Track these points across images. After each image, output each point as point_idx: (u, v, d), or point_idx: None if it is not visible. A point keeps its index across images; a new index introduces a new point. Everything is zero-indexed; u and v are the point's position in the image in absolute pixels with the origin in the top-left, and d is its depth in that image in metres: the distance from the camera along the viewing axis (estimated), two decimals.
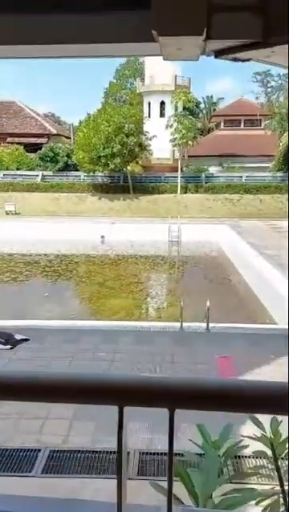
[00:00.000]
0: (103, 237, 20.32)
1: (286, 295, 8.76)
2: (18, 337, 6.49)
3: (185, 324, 7.18)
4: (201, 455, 2.05)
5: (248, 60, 0.61)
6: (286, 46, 0.55)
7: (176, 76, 27.99)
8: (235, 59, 0.61)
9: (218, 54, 0.60)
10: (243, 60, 0.61)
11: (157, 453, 3.85)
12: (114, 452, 3.82)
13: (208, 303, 7.08)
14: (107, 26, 0.57)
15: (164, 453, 3.89)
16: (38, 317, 9.21)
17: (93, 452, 3.79)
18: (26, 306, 11.19)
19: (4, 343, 6.30)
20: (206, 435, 2.01)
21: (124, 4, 0.55)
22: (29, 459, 3.69)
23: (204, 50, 0.59)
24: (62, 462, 3.71)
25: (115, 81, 41.01)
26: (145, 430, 3.98)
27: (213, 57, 0.61)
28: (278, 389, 0.62)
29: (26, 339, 6.47)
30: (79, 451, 3.80)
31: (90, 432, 4.06)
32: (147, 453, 3.86)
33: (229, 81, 68.31)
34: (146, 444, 3.94)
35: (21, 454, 3.75)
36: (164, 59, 0.61)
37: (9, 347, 6.21)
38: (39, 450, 3.80)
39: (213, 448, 1.93)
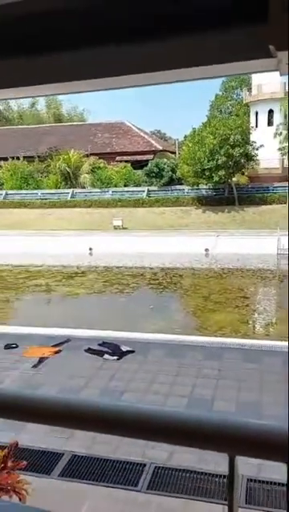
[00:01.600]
0: (207, 250, 20.16)
1: None
2: (124, 348, 6.66)
3: None
4: None
5: None
6: None
7: (285, 83, 26.97)
8: None
9: None
10: None
11: (268, 482, 3.60)
12: (222, 476, 3.67)
13: None
14: (220, 47, 0.53)
15: (276, 483, 3.62)
16: (143, 329, 9.40)
17: (200, 473, 3.68)
18: (131, 318, 11.52)
19: (111, 354, 6.51)
20: None
21: (240, 21, 0.51)
22: (134, 473, 3.72)
23: None
24: (166, 480, 3.67)
25: (221, 93, 40.92)
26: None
27: None
28: None
29: (132, 351, 6.61)
30: (185, 470, 3.72)
31: (196, 450, 3.95)
32: (255, 481, 3.63)
33: None
34: (255, 471, 3.71)
35: (126, 467, 3.80)
36: (280, 75, 0.56)
37: (116, 358, 6.41)
38: (144, 465, 3.80)
39: None
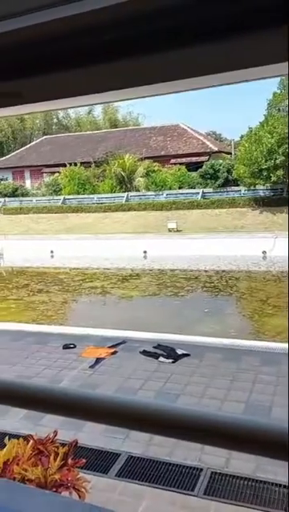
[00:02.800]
0: (264, 252, 19.62)
1: None
2: (180, 352, 6.65)
3: None
4: None
5: None
6: None
7: None
8: None
9: None
10: None
11: None
12: (282, 485, 3.55)
13: None
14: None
15: None
16: (198, 333, 9.32)
17: (258, 481, 3.59)
18: (186, 321, 11.46)
19: (166, 357, 6.52)
20: None
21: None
22: (191, 477, 3.69)
23: None
24: (224, 486, 3.61)
25: (279, 91, 39.72)
26: None
27: None
28: None
29: (187, 354, 6.58)
30: (243, 477, 3.65)
31: (253, 457, 3.86)
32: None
33: None
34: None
35: (183, 470, 3.78)
36: None
37: (171, 360, 6.41)
38: (201, 470, 3.77)
39: None
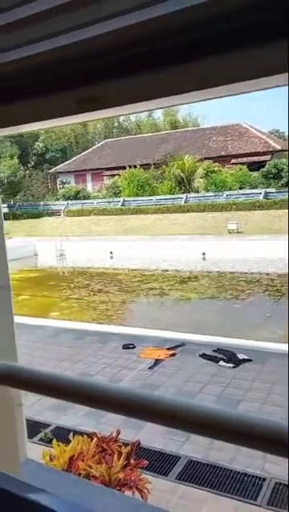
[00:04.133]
0: None
1: None
2: (241, 357, 6.50)
3: None
4: None
5: None
6: None
7: None
8: None
9: None
10: None
11: None
12: None
13: None
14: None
15: None
16: (259, 338, 9.05)
17: None
18: (247, 325, 11.18)
19: (227, 361, 6.40)
20: None
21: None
22: (253, 486, 3.59)
23: None
24: (286, 497, 3.47)
25: None
26: None
27: None
28: None
29: (249, 360, 6.41)
30: None
31: None
32: None
33: None
34: None
35: (245, 478, 3.68)
36: None
37: (231, 365, 6.28)
38: (264, 479, 3.65)
39: None
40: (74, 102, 0.70)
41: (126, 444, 2.62)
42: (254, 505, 3.36)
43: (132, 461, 2.36)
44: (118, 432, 2.47)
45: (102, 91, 0.69)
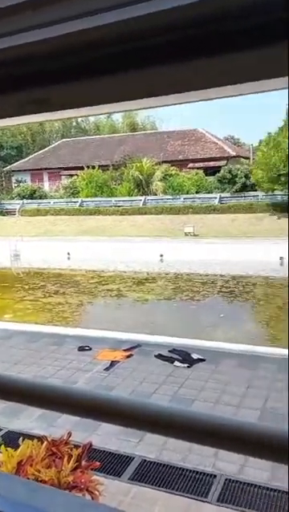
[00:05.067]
0: (282, 258, 19.41)
1: None
2: (195, 356, 6.61)
3: None
4: None
5: None
6: None
7: None
8: None
9: None
10: None
11: None
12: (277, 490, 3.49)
13: None
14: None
15: None
16: (213, 338, 9.25)
17: (273, 490, 3.53)
18: (201, 325, 11.39)
19: (182, 362, 6.49)
20: None
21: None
22: (205, 483, 3.66)
23: None
24: (238, 493, 3.56)
25: None
26: None
27: None
28: None
29: (203, 360, 6.54)
30: (257, 486, 3.59)
31: (268, 465, 3.80)
32: None
33: None
34: None
35: (196, 476, 3.75)
36: None
37: (186, 365, 6.37)
38: (215, 476, 3.73)
39: None
40: (24, 103, 0.69)
41: (78, 447, 2.59)
42: (204, 502, 3.43)
43: (83, 464, 2.34)
44: (69, 435, 2.44)
45: (52, 92, 0.68)
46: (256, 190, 26.51)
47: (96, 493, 2.26)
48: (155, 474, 3.83)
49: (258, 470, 3.73)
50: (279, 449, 0.60)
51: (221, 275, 18.59)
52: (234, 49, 0.55)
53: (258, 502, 3.46)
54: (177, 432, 0.75)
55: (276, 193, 25.54)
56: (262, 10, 0.52)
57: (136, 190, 30.60)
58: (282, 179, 23.39)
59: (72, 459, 2.23)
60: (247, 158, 32.79)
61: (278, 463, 0.64)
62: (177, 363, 6.42)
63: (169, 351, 6.84)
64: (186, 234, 24.82)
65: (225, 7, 0.53)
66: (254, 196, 26.79)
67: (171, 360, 6.54)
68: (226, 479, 3.72)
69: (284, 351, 7.58)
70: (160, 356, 6.71)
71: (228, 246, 21.08)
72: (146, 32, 0.56)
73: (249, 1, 0.51)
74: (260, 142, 29.59)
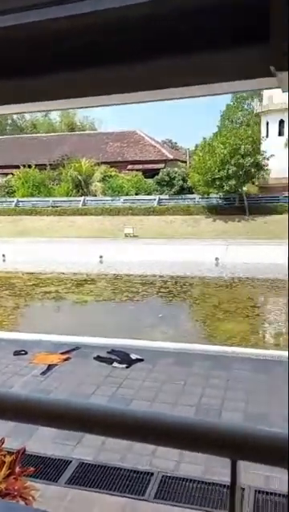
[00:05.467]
0: (217, 259, 20.12)
1: None
2: (134, 357, 6.66)
3: None
4: None
5: None
6: None
7: None
8: None
9: None
10: None
11: (276, 494, 3.57)
12: (228, 486, 3.64)
13: None
14: (222, 65, 0.56)
15: (283, 495, 3.58)
16: (152, 338, 9.38)
17: (207, 483, 3.66)
18: (141, 326, 11.51)
19: (120, 362, 6.52)
20: None
21: (242, 41, 0.54)
22: (142, 482, 3.71)
23: None
24: (174, 489, 3.65)
25: (232, 103, 41.09)
26: (262, 466, 3.73)
27: None
28: None
29: (141, 360, 6.61)
30: (192, 480, 3.70)
31: (202, 461, 3.93)
32: (264, 492, 3.60)
33: None
34: (263, 483, 3.68)
35: (134, 475, 3.79)
36: (282, 91, 0.58)
37: (124, 366, 6.41)
38: (152, 474, 3.79)
39: None
40: None
41: (12, 453, 2.52)
42: (141, 500, 3.47)
43: (16, 470, 2.29)
44: (2, 441, 2.37)
45: None
46: (193, 193, 27.25)
47: (30, 499, 2.22)
48: (92, 476, 3.81)
49: (192, 465, 3.84)
50: (279, 453, 0.63)
51: (160, 276, 18.89)
52: (184, 51, 0.57)
53: (193, 496, 3.57)
54: (110, 432, 0.75)
55: (212, 196, 26.43)
56: (216, 14, 0.54)
57: (74, 191, 30.23)
58: (217, 183, 24.24)
59: (5, 466, 2.17)
60: (184, 162, 33.62)
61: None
62: (115, 364, 6.44)
63: (108, 353, 6.84)
64: (126, 235, 24.95)
65: (180, 9, 0.55)
66: (191, 198, 27.51)
67: (110, 361, 6.55)
68: (163, 476, 3.79)
69: (218, 348, 7.87)
70: (98, 358, 6.69)
71: (166, 247, 21.47)
72: (89, 30, 0.56)
73: (207, 4, 0.53)
74: (196, 146, 30.51)
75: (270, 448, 0.64)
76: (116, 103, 0.70)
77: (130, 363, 6.49)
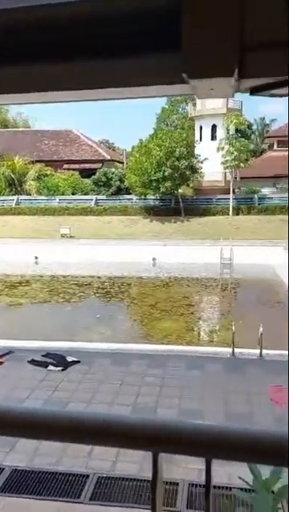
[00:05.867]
0: (154, 259, 20.42)
1: None
2: (70, 359, 6.59)
3: (237, 350, 6.96)
4: (250, 491, 1.94)
5: (286, 95, 0.59)
6: None
7: (227, 100, 28.14)
8: (272, 95, 0.59)
9: (254, 91, 0.59)
10: (281, 95, 0.59)
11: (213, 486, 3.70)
12: (166, 483, 3.72)
13: (261, 329, 6.84)
14: (134, 70, 0.58)
15: (216, 487, 3.73)
16: (89, 339, 9.33)
17: (141, 480, 3.71)
18: (78, 327, 11.39)
19: (56, 365, 6.42)
20: (257, 473, 1.91)
21: (154, 48, 0.56)
22: (77, 484, 3.68)
23: (238, 88, 0.58)
24: (109, 489, 3.67)
25: (167, 107, 41.85)
26: (196, 459, 3.86)
27: (248, 94, 0.60)
28: None
29: (77, 361, 6.56)
30: (127, 479, 3.74)
31: (138, 460, 3.99)
32: (197, 485, 3.72)
33: (283, 102, 67.11)
34: (197, 476, 3.81)
35: (69, 479, 3.75)
36: (198, 98, 0.61)
37: (61, 368, 6.32)
38: (88, 476, 3.78)
39: (264, 488, 1.82)
40: None
41: None
42: (76, 503, 3.45)
43: None
44: None
45: None
46: (130, 194, 27.41)
47: None
48: (27, 482, 3.73)
49: (128, 464, 3.88)
50: (200, 444, 0.64)
51: (98, 276, 18.79)
52: (101, 54, 0.58)
53: (128, 495, 3.61)
54: (39, 433, 0.74)
55: (148, 197, 26.76)
56: (136, 19, 0.56)
57: (7, 189, 29.18)
58: (154, 184, 24.58)
59: None
60: (121, 162, 33.72)
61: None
62: (50, 367, 6.33)
63: (43, 356, 6.71)
64: (62, 236, 24.52)
65: (103, 13, 0.56)
66: (128, 199, 27.65)
67: (45, 365, 6.43)
68: (99, 477, 3.80)
69: (155, 347, 8.01)
70: (33, 361, 6.54)
71: (104, 248, 21.41)
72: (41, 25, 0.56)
73: (127, 9, 0.55)
74: (133, 148, 30.73)
75: (190, 439, 0.67)
76: (41, 101, 0.71)
77: (66, 365, 6.42)
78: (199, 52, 0.51)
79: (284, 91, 0.57)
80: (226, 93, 0.58)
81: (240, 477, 2.01)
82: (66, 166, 31.24)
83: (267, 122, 42.66)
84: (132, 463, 3.89)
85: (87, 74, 0.58)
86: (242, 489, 2.43)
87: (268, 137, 36.71)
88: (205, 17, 0.51)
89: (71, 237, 24.47)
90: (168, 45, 0.54)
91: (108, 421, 0.67)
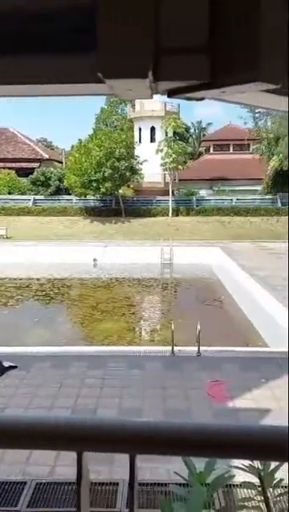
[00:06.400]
0: (95, 260, 20.30)
1: (276, 316, 8.74)
2: (6, 364, 6.37)
3: (176, 348, 7.11)
4: (186, 485, 2.00)
5: (202, 99, 0.62)
6: (237, 86, 0.55)
7: (165, 103, 28.64)
8: (188, 98, 0.61)
9: (171, 93, 0.61)
10: (197, 99, 0.61)
11: (146, 484, 3.75)
12: (106, 483, 3.71)
13: (198, 327, 7.03)
14: (53, 69, 0.58)
15: (154, 484, 3.78)
16: (28, 343, 9.07)
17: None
18: (15, 331, 11.04)
19: None
20: (192, 467, 1.96)
21: (72, 46, 0.56)
22: (15, 492, 3.57)
23: (156, 90, 0.59)
24: (48, 495, 3.59)
25: (106, 107, 41.78)
26: (137, 459, 3.88)
27: (166, 96, 0.62)
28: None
29: (15, 367, 6.36)
30: (66, 483, 3.69)
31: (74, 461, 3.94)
32: (141, 484, 3.75)
33: (218, 106, 69.74)
34: (139, 475, 3.83)
35: (6, 487, 3.62)
36: (118, 98, 0.62)
37: None
38: (25, 483, 3.67)
39: (199, 481, 1.88)
40: None
41: None
42: (13, 511, 3.34)
43: None
44: None
45: None
46: (70, 194, 27.03)
47: None
48: None
49: (67, 467, 3.82)
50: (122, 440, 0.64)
51: (37, 278, 18.32)
52: (14, 51, 0.57)
53: (68, 499, 3.56)
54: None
55: (88, 197, 26.56)
56: (53, 17, 0.55)
57: None
58: (94, 184, 24.44)
59: None
60: (60, 162, 33.16)
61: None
62: None
63: None
64: None
65: (24, 10, 0.54)
66: (68, 199, 27.25)
67: None
68: (37, 483, 3.71)
69: (95, 348, 7.96)
70: None
71: (43, 249, 20.94)
72: None
73: (47, 7, 0.53)
74: (72, 147, 30.33)
75: (114, 436, 0.67)
76: None
77: (2, 371, 6.20)
78: (114, 52, 0.52)
79: (199, 94, 0.59)
80: (144, 94, 0.59)
81: (176, 472, 2.05)
82: (2, 165, 30.17)
83: (204, 126, 43.95)
84: (71, 466, 3.83)
85: (0, 70, 0.57)
86: (179, 484, 2.49)
87: (205, 141, 37.86)
88: (120, 18, 0.52)
89: (7, 237, 23.68)
90: (85, 44, 0.54)
91: (32, 423, 0.66)
